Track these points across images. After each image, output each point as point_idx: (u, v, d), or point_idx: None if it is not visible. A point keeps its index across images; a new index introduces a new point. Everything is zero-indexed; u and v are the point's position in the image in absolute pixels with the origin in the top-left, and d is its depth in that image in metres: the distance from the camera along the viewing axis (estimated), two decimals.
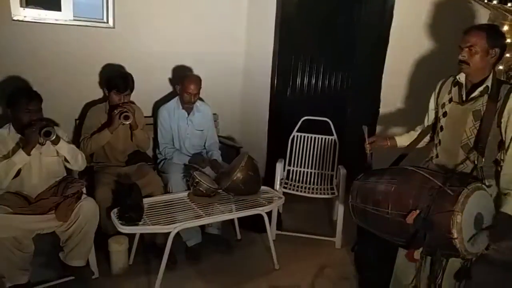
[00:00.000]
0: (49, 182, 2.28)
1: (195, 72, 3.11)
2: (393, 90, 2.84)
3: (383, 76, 2.86)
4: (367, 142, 2.13)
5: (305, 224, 3.23)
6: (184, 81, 2.84)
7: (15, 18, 2.55)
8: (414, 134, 2.14)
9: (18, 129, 2.18)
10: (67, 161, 2.30)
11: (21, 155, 2.09)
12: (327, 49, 3.70)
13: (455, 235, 1.41)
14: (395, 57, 2.80)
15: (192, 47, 3.27)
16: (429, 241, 1.49)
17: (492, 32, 1.72)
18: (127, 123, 2.54)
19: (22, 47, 2.59)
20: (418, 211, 1.49)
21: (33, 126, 2.09)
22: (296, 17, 3.44)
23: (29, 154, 2.11)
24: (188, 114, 2.92)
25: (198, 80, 2.87)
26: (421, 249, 1.53)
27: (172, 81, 3.22)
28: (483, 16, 2.54)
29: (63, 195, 2.21)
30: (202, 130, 2.99)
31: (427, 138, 2.10)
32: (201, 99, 3.12)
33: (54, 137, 2.13)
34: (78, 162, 2.33)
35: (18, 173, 2.13)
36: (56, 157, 2.29)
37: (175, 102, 2.92)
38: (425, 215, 1.49)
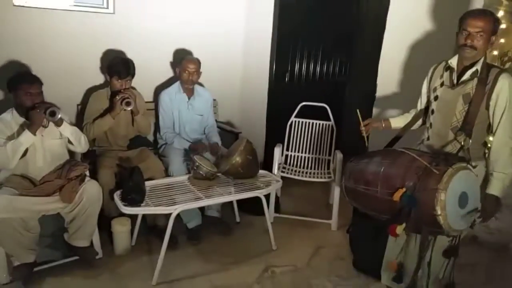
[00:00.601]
0: (53, 164, 2.34)
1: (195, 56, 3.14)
2: (389, 75, 2.88)
3: (380, 61, 2.90)
4: (362, 125, 2.19)
5: (302, 207, 3.31)
6: (182, 61, 2.91)
7: (16, 3, 2.57)
8: (408, 117, 2.19)
9: (21, 112, 2.23)
10: (71, 143, 2.36)
11: (27, 135, 2.14)
12: (325, 35, 3.73)
13: (439, 212, 1.49)
14: (392, 43, 2.84)
15: (192, 32, 3.30)
16: (415, 217, 1.56)
17: (496, 19, 1.77)
18: (129, 109, 2.59)
19: (23, 32, 2.63)
20: (404, 189, 1.56)
21: (38, 108, 2.15)
22: (295, 2, 3.46)
23: (34, 134, 2.16)
24: (189, 98, 2.97)
25: (196, 61, 2.93)
26: (403, 224, 1.60)
27: (172, 65, 3.25)
28: (477, 1, 2.57)
29: (67, 178, 2.27)
30: (202, 115, 3.04)
31: (420, 121, 2.16)
32: (201, 85, 3.17)
33: (59, 117, 2.18)
34: (81, 144, 2.40)
35: (25, 153, 2.18)
36: (60, 139, 2.34)
37: (176, 86, 2.97)
38: (410, 193, 1.56)
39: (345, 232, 2.75)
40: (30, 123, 2.17)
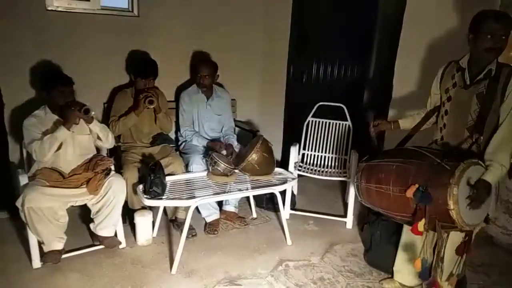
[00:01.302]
0: (81, 158, 2.49)
1: (214, 57, 3.24)
2: (405, 75, 2.91)
3: (396, 62, 2.93)
4: (371, 126, 2.25)
5: (318, 205, 3.37)
6: (198, 65, 3.03)
7: (49, 8, 2.75)
8: (417, 117, 2.22)
9: (54, 109, 2.39)
10: (99, 139, 2.51)
11: (62, 130, 2.31)
12: (343, 35, 3.77)
13: (452, 206, 1.52)
14: (408, 43, 2.87)
15: (212, 34, 3.41)
16: (429, 213, 1.60)
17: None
18: (151, 107, 2.72)
19: (55, 35, 2.79)
20: (417, 185, 1.60)
21: (72, 106, 2.31)
22: (312, 2, 3.52)
23: (69, 130, 2.33)
24: (208, 98, 3.09)
25: (211, 64, 3.03)
26: (423, 220, 1.63)
27: (191, 67, 3.38)
28: (496, 1, 2.57)
29: (94, 171, 2.43)
30: (220, 115, 3.15)
31: (431, 120, 2.19)
32: (221, 86, 3.28)
33: (91, 115, 2.35)
34: (109, 139, 2.55)
35: (59, 147, 2.34)
36: (88, 135, 2.50)
37: (195, 87, 3.09)
38: (423, 189, 1.60)
39: (359, 230, 2.82)
40: (65, 120, 2.33)
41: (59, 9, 2.79)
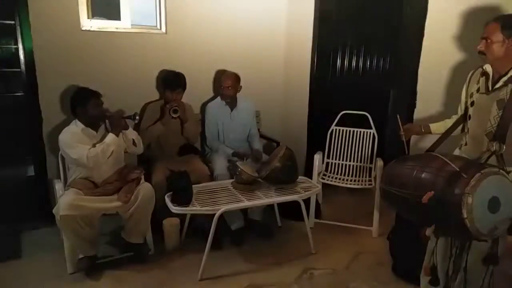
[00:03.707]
0: (113, 168, 2.62)
1: (238, 71, 3.33)
2: (429, 82, 2.88)
3: (419, 67, 2.91)
4: (401, 130, 2.23)
5: (343, 214, 3.36)
6: (220, 77, 3.15)
7: (83, 28, 2.93)
8: (449, 123, 2.20)
9: (87, 123, 2.55)
10: (134, 144, 2.65)
11: (111, 137, 2.49)
12: (366, 43, 3.77)
13: (465, 215, 1.50)
14: (432, 48, 2.84)
15: (235, 48, 3.52)
16: (443, 220, 1.59)
17: (508, 22, 1.78)
18: (175, 116, 2.86)
19: (89, 53, 2.98)
20: (433, 192, 1.60)
21: (113, 114, 2.55)
22: (334, 12, 3.55)
23: (117, 136, 2.51)
24: (231, 110, 3.18)
25: (233, 76, 3.13)
26: (433, 227, 1.63)
27: (214, 82, 3.48)
28: None
29: (125, 180, 2.55)
30: (244, 125, 3.24)
31: (460, 127, 2.17)
32: (244, 96, 3.36)
33: (137, 118, 2.61)
34: (140, 145, 2.71)
35: (111, 153, 2.51)
36: (118, 146, 2.61)
37: (219, 99, 3.20)
38: (439, 196, 1.59)
39: (385, 239, 2.78)
40: (112, 128, 2.52)
41: (93, 28, 2.98)
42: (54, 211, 2.40)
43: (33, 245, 2.76)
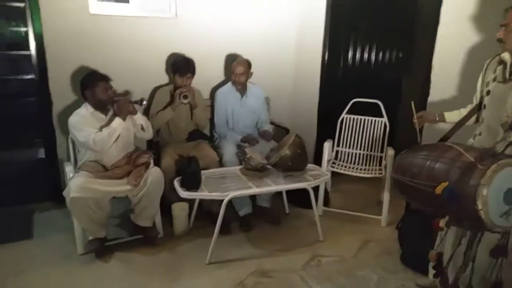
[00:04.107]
0: (123, 152, 2.63)
1: (248, 56, 3.28)
2: (444, 71, 2.81)
3: (434, 56, 2.84)
4: (415, 118, 2.19)
5: (352, 202, 3.35)
6: (232, 63, 3.12)
7: (92, 12, 2.91)
8: (463, 112, 2.16)
9: (96, 106, 2.55)
10: (143, 129, 2.64)
11: (118, 121, 2.48)
12: (378, 31, 3.69)
13: (480, 207, 1.48)
14: (446, 37, 2.77)
15: (246, 34, 3.48)
16: (457, 211, 1.57)
17: None
18: (186, 102, 2.84)
19: (98, 37, 2.96)
20: (447, 183, 1.57)
21: (120, 99, 2.49)
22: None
23: (124, 120, 2.49)
24: (242, 96, 3.16)
25: (244, 62, 3.10)
26: (446, 218, 1.61)
27: (225, 67, 3.46)
28: None
29: (135, 164, 2.56)
30: (254, 112, 3.21)
31: (475, 117, 2.12)
32: (254, 83, 3.33)
33: (145, 104, 2.58)
34: (149, 130, 2.69)
35: (117, 138, 2.50)
36: (128, 130, 2.61)
37: (229, 85, 3.18)
38: (453, 187, 1.56)
39: (394, 228, 2.76)
40: (119, 112, 2.50)
41: (102, 12, 2.95)
42: (64, 193, 2.43)
43: (44, 226, 2.80)
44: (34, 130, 3.06)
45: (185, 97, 2.83)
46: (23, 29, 2.81)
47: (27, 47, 2.81)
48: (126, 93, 2.59)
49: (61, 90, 2.90)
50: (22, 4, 2.73)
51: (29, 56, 2.83)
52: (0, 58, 2.90)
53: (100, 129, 2.48)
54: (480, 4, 2.59)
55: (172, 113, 2.89)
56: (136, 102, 2.59)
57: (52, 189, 3.01)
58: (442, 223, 1.63)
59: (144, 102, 2.62)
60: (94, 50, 2.96)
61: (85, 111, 2.56)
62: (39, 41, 2.76)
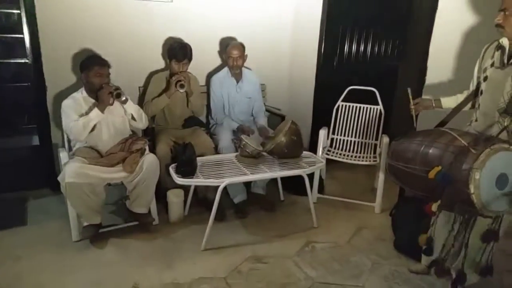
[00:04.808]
0: (117, 138, 2.60)
1: (244, 41, 3.25)
2: (440, 58, 2.81)
3: (430, 44, 2.84)
4: (411, 104, 2.19)
5: (346, 190, 3.37)
6: (227, 48, 3.08)
7: None
8: (460, 97, 2.16)
9: (90, 91, 2.52)
10: (133, 119, 2.61)
11: (96, 112, 2.43)
12: (375, 18, 3.67)
13: (472, 191, 1.50)
14: (443, 25, 2.76)
15: (242, 19, 3.45)
16: (449, 195, 1.59)
17: None
18: (182, 91, 2.81)
19: (93, 20, 2.91)
20: (440, 167, 1.59)
21: (105, 89, 2.42)
22: None
23: (103, 112, 2.44)
24: (237, 82, 3.14)
25: (240, 46, 3.07)
26: (438, 202, 1.63)
27: (219, 52, 3.43)
28: None
29: (130, 151, 2.54)
30: (250, 98, 3.20)
31: (471, 103, 2.13)
32: (249, 69, 3.31)
33: (123, 98, 2.46)
34: (142, 120, 2.65)
35: (93, 128, 2.46)
36: (122, 117, 2.61)
37: (225, 71, 3.15)
38: (446, 171, 1.58)
39: (388, 215, 2.79)
40: (99, 102, 2.45)
41: None
42: (59, 178, 2.42)
43: (39, 213, 2.79)
44: (28, 116, 3.03)
45: (182, 86, 2.79)
46: (16, 11, 2.75)
47: (20, 30, 2.75)
48: (116, 88, 2.45)
49: (55, 74, 2.86)
50: None
51: (22, 39, 2.78)
52: None
53: (80, 116, 2.45)
54: None
55: (167, 100, 2.86)
56: (117, 95, 2.45)
57: (46, 176, 3.00)
58: (434, 207, 1.65)
59: (123, 98, 2.48)
60: (89, 34, 2.92)
61: (80, 95, 2.54)
62: (32, 24, 2.71)
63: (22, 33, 2.77)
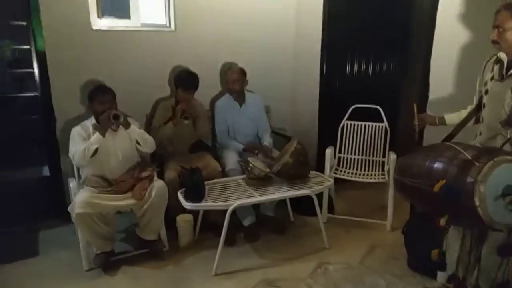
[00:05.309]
0: (125, 166, 2.64)
1: (247, 68, 3.31)
2: (442, 74, 2.83)
3: (431, 60, 2.87)
4: (415, 119, 2.21)
5: (356, 208, 3.34)
6: (227, 72, 3.18)
7: (94, 27, 2.96)
8: (464, 113, 2.18)
9: (96, 119, 2.57)
10: (138, 143, 2.63)
11: (96, 135, 2.47)
12: (376, 37, 3.72)
13: (477, 203, 1.49)
14: (442, 42, 2.80)
15: (243, 45, 3.51)
16: (455, 209, 1.58)
17: None
18: (186, 122, 2.84)
19: (100, 52, 3.00)
20: (444, 181, 1.58)
21: (106, 113, 2.47)
22: (344, 6, 3.53)
23: (103, 136, 2.47)
24: (240, 105, 3.20)
25: (238, 70, 3.15)
26: (446, 216, 1.61)
27: (221, 76, 3.48)
28: None
29: (138, 178, 2.57)
30: (253, 120, 3.24)
31: (475, 117, 2.13)
32: (251, 92, 3.36)
33: (121, 119, 2.47)
34: (147, 144, 2.66)
35: (95, 152, 2.47)
36: (129, 143, 2.63)
37: (228, 95, 3.22)
38: (451, 185, 1.57)
39: (400, 233, 2.75)
40: (100, 126, 2.50)
41: (103, 28, 3.00)
42: (69, 209, 2.44)
43: (50, 244, 2.80)
44: (38, 148, 3.08)
45: (186, 118, 2.81)
46: (26, 47, 2.85)
47: (30, 65, 2.85)
48: (119, 113, 2.48)
49: (64, 106, 2.92)
50: (24, 23, 2.77)
51: (32, 73, 2.86)
52: (4, 76, 2.93)
53: (85, 142, 2.49)
54: (476, 6, 2.62)
55: (173, 128, 2.90)
56: (114, 117, 2.46)
57: (57, 206, 3.01)
58: (442, 221, 1.63)
59: (121, 119, 2.47)
60: (97, 65, 3.00)
61: (89, 122, 2.61)
62: (42, 58, 2.79)
63: (32, 67, 2.86)
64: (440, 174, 1.63)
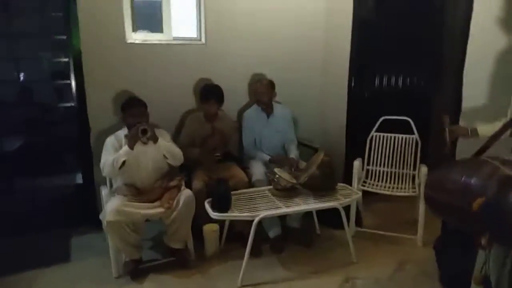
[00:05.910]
0: (155, 175, 2.69)
1: (276, 79, 3.35)
2: (475, 84, 2.75)
3: (464, 71, 2.79)
4: (446, 131, 2.15)
5: (385, 222, 3.26)
6: (256, 84, 3.23)
7: (128, 41, 3.08)
8: (498, 125, 2.09)
9: (129, 129, 2.65)
10: (166, 157, 2.69)
11: (125, 148, 2.55)
12: (408, 47, 3.67)
13: None
14: (477, 50, 2.72)
15: (272, 58, 3.56)
16: (497, 228, 1.51)
17: None
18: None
19: (134, 64, 3.11)
20: (484, 198, 1.52)
21: (136, 126, 2.54)
22: (374, 16, 3.51)
23: (132, 148, 2.53)
24: (268, 116, 3.21)
25: (266, 83, 3.19)
26: (487, 236, 1.54)
27: (249, 89, 3.53)
28: None
29: (167, 187, 2.62)
30: (280, 132, 3.25)
31: (510, 129, 2.05)
32: (279, 103, 3.37)
33: (149, 134, 2.53)
34: (175, 158, 2.71)
35: (123, 164, 2.53)
36: (159, 155, 2.68)
37: (256, 106, 3.26)
38: (490, 202, 1.51)
39: (431, 248, 2.66)
40: (129, 139, 2.57)
41: (137, 41, 3.12)
42: (100, 217, 2.51)
43: (82, 249, 2.89)
44: (73, 156, 3.21)
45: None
46: (64, 59, 3.01)
47: (67, 77, 3.00)
48: (148, 128, 2.52)
49: (98, 116, 3.04)
50: (64, 37, 2.94)
51: (69, 85, 3.01)
52: (45, 87, 3.11)
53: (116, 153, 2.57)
54: (511, 9, 2.53)
55: (199, 151, 2.98)
56: (143, 131, 2.51)
57: (89, 213, 3.11)
58: (484, 241, 1.56)
59: (148, 134, 2.52)
60: (130, 77, 3.11)
61: (123, 132, 2.69)
62: (79, 70, 2.93)
63: (69, 79, 3.00)
64: (479, 191, 1.56)
